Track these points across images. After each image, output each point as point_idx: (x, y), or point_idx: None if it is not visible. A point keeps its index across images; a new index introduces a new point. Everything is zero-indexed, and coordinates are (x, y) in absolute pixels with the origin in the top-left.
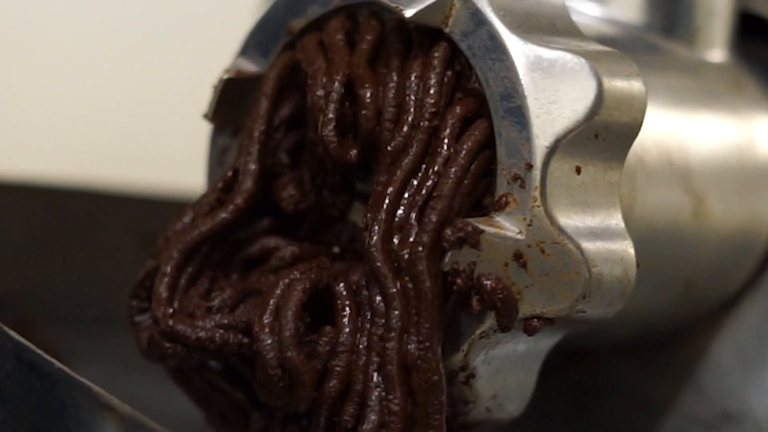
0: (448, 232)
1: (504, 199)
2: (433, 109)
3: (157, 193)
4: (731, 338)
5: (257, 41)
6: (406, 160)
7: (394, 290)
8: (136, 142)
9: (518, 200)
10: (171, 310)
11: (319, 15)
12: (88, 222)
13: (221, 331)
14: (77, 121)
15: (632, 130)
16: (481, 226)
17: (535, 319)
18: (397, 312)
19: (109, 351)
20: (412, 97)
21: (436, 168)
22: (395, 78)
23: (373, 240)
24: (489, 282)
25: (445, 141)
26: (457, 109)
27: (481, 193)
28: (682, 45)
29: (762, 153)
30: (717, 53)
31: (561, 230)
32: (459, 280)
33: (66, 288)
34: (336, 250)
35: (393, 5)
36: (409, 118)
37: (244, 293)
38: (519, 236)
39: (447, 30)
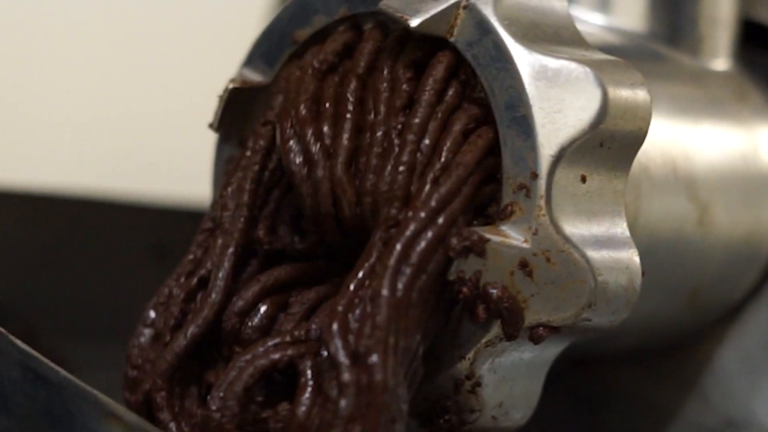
0: (454, 240)
1: (509, 208)
2: (394, 227)
3: (163, 202)
4: (736, 346)
5: (263, 51)
6: (365, 265)
7: (349, 379)
8: (141, 152)
9: (524, 209)
10: None
11: (324, 25)
12: (95, 231)
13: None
14: (84, 130)
15: (637, 138)
16: (487, 235)
17: (541, 328)
18: (346, 400)
19: (115, 360)
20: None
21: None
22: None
23: (333, 328)
24: (495, 290)
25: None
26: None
27: (485, 202)
28: (685, 54)
29: (766, 161)
30: (721, 62)
31: (566, 239)
32: (465, 289)
33: (72, 297)
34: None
35: (398, 15)
36: (378, 235)
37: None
38: (524, 245)
39: (452, 39)
